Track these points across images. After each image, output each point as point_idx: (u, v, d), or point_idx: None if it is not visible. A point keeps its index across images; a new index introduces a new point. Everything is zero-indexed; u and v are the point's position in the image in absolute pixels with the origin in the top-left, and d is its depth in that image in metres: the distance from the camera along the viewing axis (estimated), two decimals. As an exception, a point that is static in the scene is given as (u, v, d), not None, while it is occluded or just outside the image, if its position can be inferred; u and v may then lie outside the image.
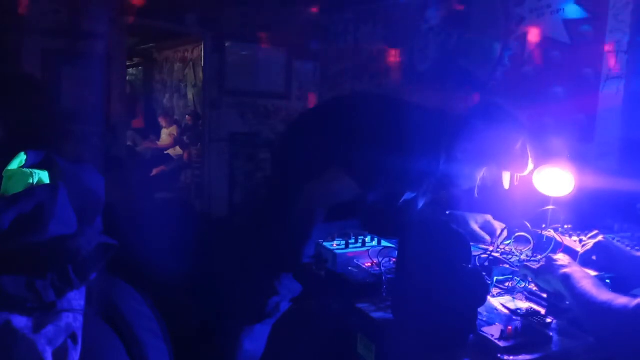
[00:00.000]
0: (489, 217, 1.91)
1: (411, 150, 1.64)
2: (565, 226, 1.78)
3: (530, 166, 1.74)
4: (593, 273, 1.35)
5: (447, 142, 1.71)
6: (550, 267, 1.30)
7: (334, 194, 1.66)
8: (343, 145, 1.65)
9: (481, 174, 1.76)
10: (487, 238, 1.84)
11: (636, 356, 1.02)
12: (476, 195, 1.81)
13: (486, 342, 1.11)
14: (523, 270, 1.43)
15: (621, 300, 1.06)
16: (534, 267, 1.38)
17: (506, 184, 1.77)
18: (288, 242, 1.67)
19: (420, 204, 1.83)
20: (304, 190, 1.65)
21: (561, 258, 1.33)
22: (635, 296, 1.07)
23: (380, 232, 1.75)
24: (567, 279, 1.22)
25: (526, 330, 1.15)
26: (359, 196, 1.67)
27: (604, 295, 1.10)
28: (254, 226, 1.94)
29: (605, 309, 1.07)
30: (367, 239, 1.65)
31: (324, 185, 1.65)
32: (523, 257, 1.63)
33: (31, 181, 0.75)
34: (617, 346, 1.07)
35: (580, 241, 1.61)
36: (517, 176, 1.78)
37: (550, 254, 1.43)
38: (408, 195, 1.75)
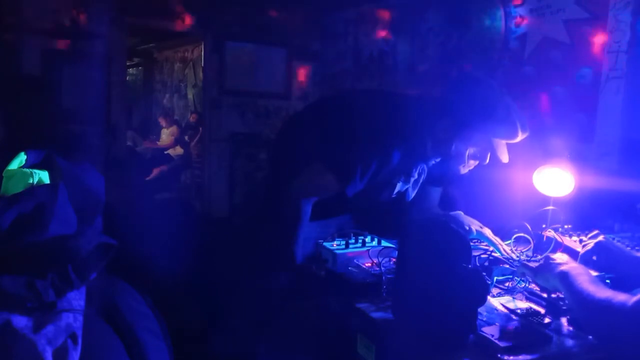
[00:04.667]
0: (460, 213, 1.85)
1: (390, 139, 1.62)
2: (565, 226, 1.78)
3: (521, 133, 1.63)
4: (593, 273, 1.35)
5: (428, 125, 1.66)
6: (548, 265, 1.30)
7: (317, 188, 1.66)
8: (325, 141, 1.66)
9: (471, 150, 1.68)
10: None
11: (635, 353, 1.02)
12: (464, 172, 1.74)
13: (486, 342, 1.11)
14: (521, 268, 1.43)
15: (619, 297, 1.06)
16: (532, 266, 1.38)
17: (504, 157, 1.68)
18: (280, 240, 1.68)
19: (412, 194, 1.81)
20: (290, 186, 1.66)
21: (559, 257, 1.33)
22: (634, 294, 1.07)
23: (374, 229, 1.74)
24: (564, 276, 1.22)
25: (526, 330, 1.15)
26: (342, 191, 1.66)
27: (602, 293, 1.10)
28: (252, 225, 1.95)
29: (604, 306, 1.07)
30: (367, 239, 1.65)
31: (307, 180, 1.66)
32: (523, 257, 1.63)
33: (31, 181, 0.75)
34: (615, 343, 1.07)
35: (581, 241, 1.61)
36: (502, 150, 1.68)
37: (549, 253, 1.43)
38: (401, 187, 1.74)
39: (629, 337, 1.03)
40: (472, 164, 1.73)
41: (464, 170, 1.74)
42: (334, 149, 1.64)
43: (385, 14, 4.64)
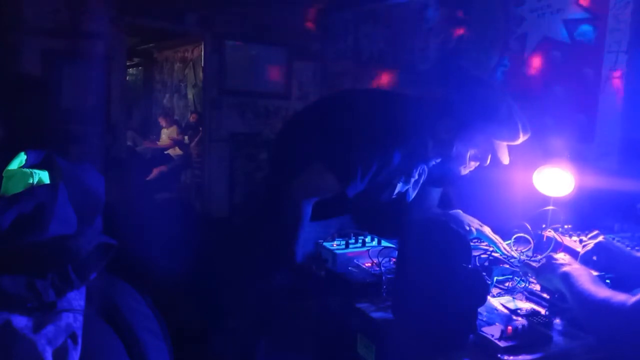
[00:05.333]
0: (459, 211, 1.85)
1: (391, 140, 1.62)
2: (565, 226, 1.78)
3: (522, 135, 1.63)
4: (594, 273, 1.36)
5: (429, 126, 1.66)
6: (550, 265, 1.30)
7: (317, 189, 1.66)
8: (325, 141, 1.66)
9: (472, 152, 1.68)
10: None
11: (634, 353, 1.02)
12: (465, 173, 1.74)
13: (486, 342, 1.11)
14: (524, 267, 1.43)
15: (619, 297, 1.06)
16: (534, 265, 1.38)
17: (504, 159, 1.69)
18: (280, 240, 1.68)
19: (413, 194, 1.81)
20: (290, 186, 1.66)
21: (562, 257, 1.33)
22: (634, 294, 1.07)
23: (374, 229, 1.74)
24: (566, 277, 1.22)
25: (526, 330, 1.15)
26: (342, 191, 1.66)
27: (602, 293, 1.10)
28: (252, 225, 1.95)
29: (603, 306, 1.07)
30: (367, 239, 1.65)
31: (307, 180, 1.66)
32: (523, 257, 1.63)
33: (31, 181, 0.75)
34: (615, 344, 1.08)
35: (581, 241, 1.61)
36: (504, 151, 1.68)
37: (551, 253, 1.43)
38: (402, 187, 1.74)
39: (628, 337, 1.03)
40: (473, 165, 1.73)
41: (464, 171, 1.74)
42: (334, 149, 1.64)
43: (385, 14, 4.63)
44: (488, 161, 1.70)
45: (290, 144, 1.85)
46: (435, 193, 1.97)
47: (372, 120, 1.65)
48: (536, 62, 3.24)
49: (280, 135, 2.01)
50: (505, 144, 1.67)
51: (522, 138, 1.64)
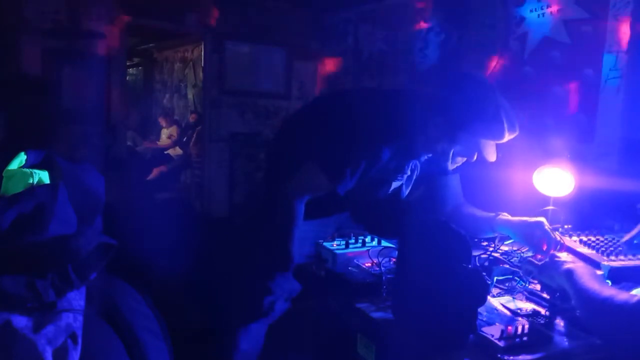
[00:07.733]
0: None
1: (380, 137, 1.61)
2: (565, 226, 1.78)
3: (507, 134, 1.60)
4: (598, 272, 1.35)
5: (419, 122, 1.65)
6: (554, 263, 1.30)
7: (309, 187, 1.66)
8: (318, 140, 1.66)
9: (457, 148, 1.66)
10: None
11: (636, 352, 1.02)
12: (452, 168, 1.72)
13: (486, 342, 1.11)
14: (526, 265, 1.42)
15: (622, 296, 1.06)
16: (537, 263, 1.38)
17: (490, 156, 1.66)
18: (275, 239, 1.68)
19: (406, 191, 1.80)
20: (284, 185, 1.66)
21: (564, 256, 1.33)
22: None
23: (374, 228, 1.74)
24: (570, 274, 1.22)
25: (526, 331, 1.14)
26: (334, 190, 1.66)
27: (606, 291, 1.10)
28: (250, 225, 1.95)
29: (606, 305, 1.07)
30: (367, 239, 1.65)
31: (300, 179, 1.66)
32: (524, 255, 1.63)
33: (31, 181, 0.75)
34: (617, 342, 1.07)
35: (581, 241, 1.61)
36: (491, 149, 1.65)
37: (553, 252, 1.44)
38: (396, 184, 1.74)
39: (629, 336, 1.03)
40: (460, 160, 1.72)
41: (451, 166, 1.73)
42: (325, 148, 1.64)
43: (385, 14, 4.64)
44: (475, 158, 1.68)
45: (285, 144, 1.85)
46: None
47: (361, 118, 1.65)
48: (536, 62, 3.24)
49: (276, 135, 2.02)
50: (491, 142, 1.65)
51: (507, 137, 1.61)
